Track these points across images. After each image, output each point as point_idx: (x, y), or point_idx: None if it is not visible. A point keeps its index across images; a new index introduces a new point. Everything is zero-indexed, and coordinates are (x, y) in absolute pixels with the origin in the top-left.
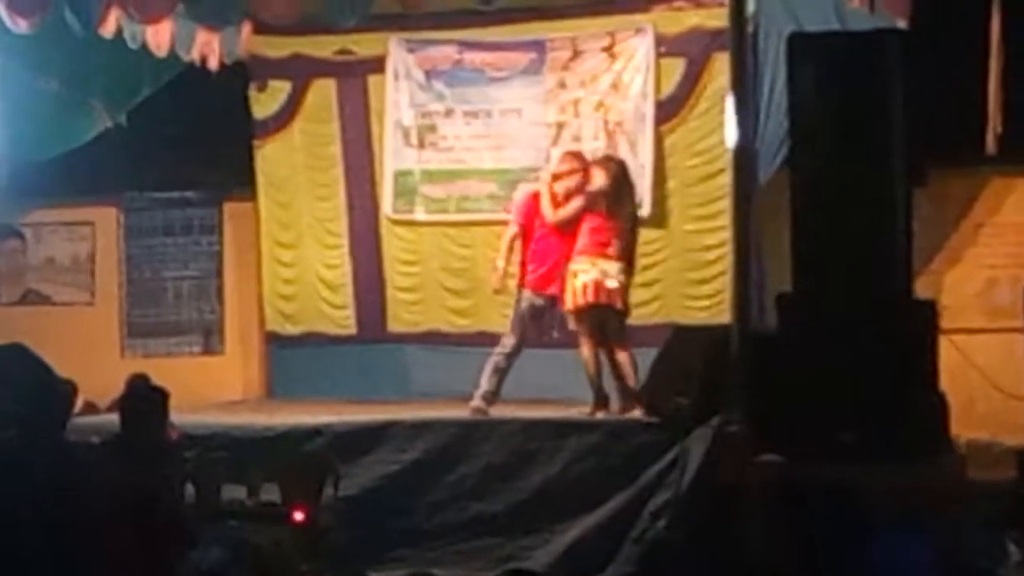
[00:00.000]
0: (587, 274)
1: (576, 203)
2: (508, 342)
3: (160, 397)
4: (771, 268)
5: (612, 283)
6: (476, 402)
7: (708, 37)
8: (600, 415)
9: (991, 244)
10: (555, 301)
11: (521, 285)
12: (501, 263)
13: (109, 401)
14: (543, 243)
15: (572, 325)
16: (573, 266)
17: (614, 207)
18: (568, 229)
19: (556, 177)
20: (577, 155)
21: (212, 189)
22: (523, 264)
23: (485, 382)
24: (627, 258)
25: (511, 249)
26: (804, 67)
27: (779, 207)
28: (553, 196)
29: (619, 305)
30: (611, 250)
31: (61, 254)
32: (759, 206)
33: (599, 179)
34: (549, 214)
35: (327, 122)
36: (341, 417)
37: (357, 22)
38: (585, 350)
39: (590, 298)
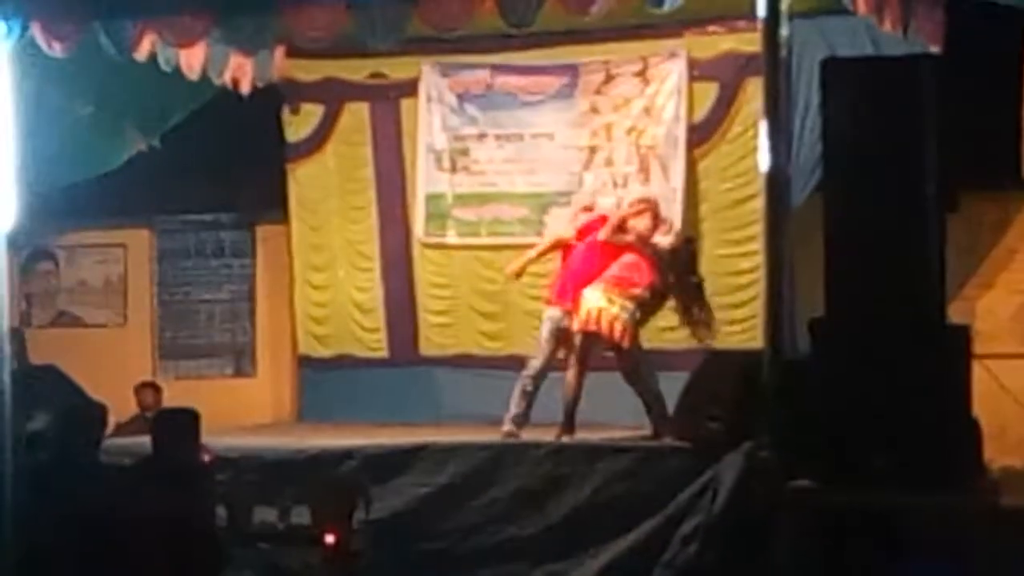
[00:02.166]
0: (598, 302)
1: (635, 232)
2: (534, 364)
3: (191, 419)
4: (803, 293)
5: (617, 323)
6: (507, 427)
7: (741, 61)
8: (565, 439)
9: None
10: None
11: (547, 302)
12: (532, 253)
13: (128, 416)
14: (571, 263)
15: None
16: (587, 291)
17: (673, 264)
18: (604, 257)
19: (623, 224)
20: (647, 199)
21: (244, 212)
22: (562, 281)
23: (514, 406)
24: (655, 305)
25: (545, 251)
26: (837, 92)
27: (812, 232)
28: (615, 228)
29: (623, 343)
30: (636, 290)
31: (93, 276)
32: (791, 231)
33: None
34: (603, 231)
35: (360, 145)
36: (372, 440)
37: (391, 45)
38: (570, 373)
39: (591, 326)
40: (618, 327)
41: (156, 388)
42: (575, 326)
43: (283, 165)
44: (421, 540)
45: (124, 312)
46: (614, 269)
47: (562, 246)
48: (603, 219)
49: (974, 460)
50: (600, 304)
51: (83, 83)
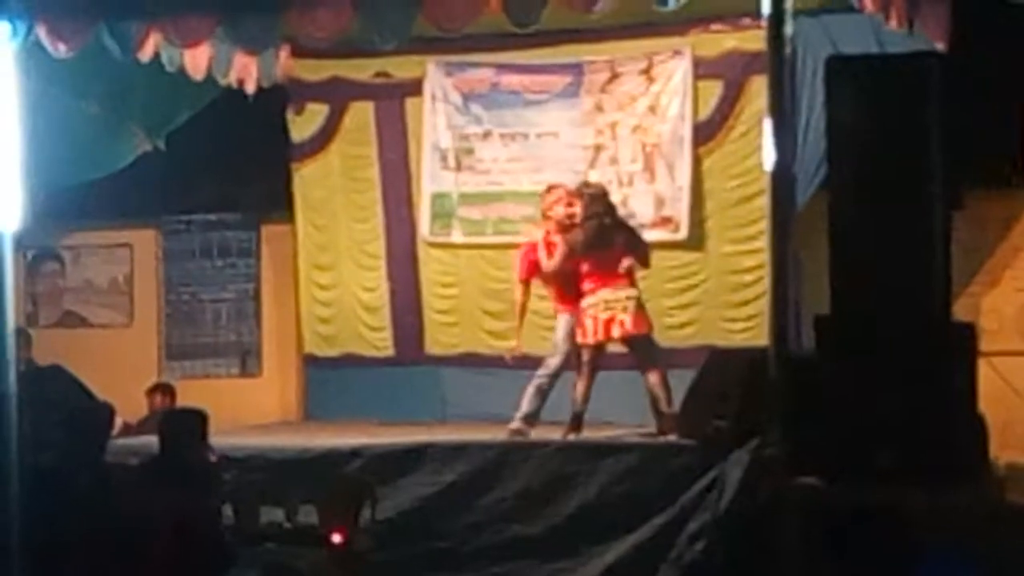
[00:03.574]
0: (596, 309)
1: (560, 251)
2: (552, 363)
3: (198, 419)
4: (808, 291)
5: (624, 315)
6: (516, 424)
7: (746, 59)
8: (572, 437)
9: None
10: None
11: (557, 310)
12: (515, 342)
13: (139, 418)
14: (564, 276)
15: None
16: (584, 303)
17: (599, 237)
18: (567, 271)
19: (545, 216)
20: (556, 186)
21: (250, 211)
22: (555, 296)
23: (527, 404)
24: (634, 272)
25: (523, 315)
26: (842, 90)
27: (817, 230)
28: (547, 234)
29: (637, 331)
30: (619, 277)
31: (99, 276)
32: (796, 229)
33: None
34: (544, 262)
35: (365, 144)
36: (378, 439)
37: (395, 45)
38: (580, 384)
39: (600, 336)
40: (628, 320)
41: (167, 391)
42: (583, 339)
43: (288, 165)
44: (428, 539)
45: (130, 312)
46: (588, 280)
47: (527, 294)
48: (532, 246)
49: (980, 457)
50: (601, 314)
51: (88, 84)
